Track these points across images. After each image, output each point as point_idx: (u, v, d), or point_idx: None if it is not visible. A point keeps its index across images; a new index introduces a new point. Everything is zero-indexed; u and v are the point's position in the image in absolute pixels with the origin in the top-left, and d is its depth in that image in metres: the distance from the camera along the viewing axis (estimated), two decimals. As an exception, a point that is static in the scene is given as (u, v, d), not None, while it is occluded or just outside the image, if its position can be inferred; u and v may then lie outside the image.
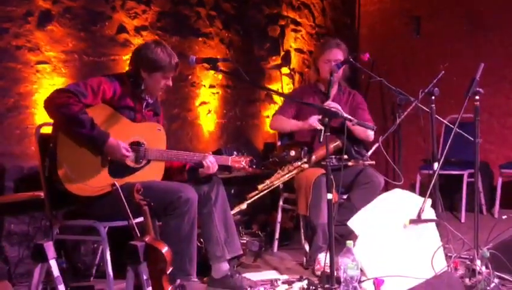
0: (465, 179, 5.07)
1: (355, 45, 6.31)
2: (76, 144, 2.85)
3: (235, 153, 3.32)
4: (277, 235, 4.15)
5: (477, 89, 3.21)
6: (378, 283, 2.75)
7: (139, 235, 2.48)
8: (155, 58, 3.02)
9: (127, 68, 3.18)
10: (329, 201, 2.69)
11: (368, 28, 6.43)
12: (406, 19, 6.10)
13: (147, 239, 2.38)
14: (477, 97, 3.22)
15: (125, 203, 2.44)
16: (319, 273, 3.41)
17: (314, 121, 3.68)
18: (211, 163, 3.10)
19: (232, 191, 4.81)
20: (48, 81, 3.60)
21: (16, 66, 3.48)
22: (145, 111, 3.14)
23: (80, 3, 3.79)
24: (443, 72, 3.54)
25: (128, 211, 2.43)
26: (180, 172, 3.22)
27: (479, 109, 3.24)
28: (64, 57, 3.70)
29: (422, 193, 5.15)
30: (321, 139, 2.74)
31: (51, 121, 2.93)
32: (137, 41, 4.11)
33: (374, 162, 3.63)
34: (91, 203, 2.92)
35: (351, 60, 3.76)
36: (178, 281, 2.86)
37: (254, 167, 3.34)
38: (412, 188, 5.43)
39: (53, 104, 2.81)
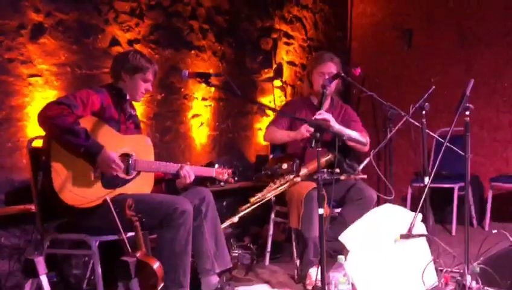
0: (456, 192, 5.09)
1: (347, 58, 6.36)
2: (70, 155, 2.86)
3: (217, 165, 3.40)
4: (269, 248, 4.15)
5: (468, 104, 3.23)
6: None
7: (130, 249, 2.47)
8: (136, 61, 3.13)
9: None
10: (320, 216, 2.69)
11: (359, 41, 6.48)
12: (398, 32, 6.16)
13: (138, 255, 2.38)
14: (467, 113, 3.24)
15: (117, 218, 2.42)
16: (310, 287, 3.42)
17: (304, 129, 3.69)
18: (187, 172, 3.16)
19: (224, 203, 4.83)
20: (40, 94, 3.60)
21: (7, 79, 3.47)
22: (128, 123, 3.19)
23: (72, 16, 3.79)
24: (433, 87, 3.57)
25: (120, 226, 2.42)
26: (158, 184, 3.26)
27: (469, 124, 3.26)
28: (56, 69, 3.71)
29: (413, 206, 5.24)
30: (312, 145, 2.75)
31: (43, 134, 2.93)
32: (130, 54, 4.11)
33: (365, 176, 3.64)
34: (83, 216, 2.92)
35: (343, 74, 3.78)
36: None
37: (236, 179, 3.48)
38: (403, 201, 5.47)
39: (47, 116, 2.82)
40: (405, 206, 5.32)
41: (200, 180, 3.68)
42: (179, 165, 3.18)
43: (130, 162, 3.04)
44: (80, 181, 2.88)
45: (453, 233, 5.09)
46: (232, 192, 4.71)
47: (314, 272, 3.47)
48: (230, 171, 3.41)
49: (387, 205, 3.23)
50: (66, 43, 3.77)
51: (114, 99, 3.10)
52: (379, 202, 3.62)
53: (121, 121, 3.12)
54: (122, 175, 3.01)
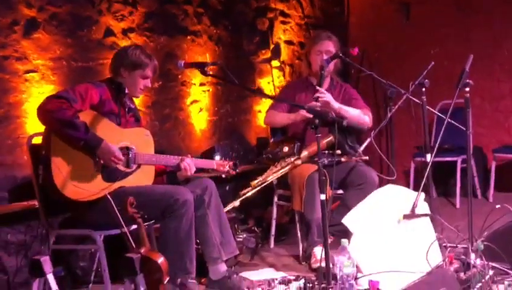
0: (459, 165, 5.10)
1: (345, 34, 6.31)
2: (70, 149, 2.88)
3: (218, 157, 3.39)
4: (273, 232, 4.18)
5: (467, 80, 3.22)
6: (373, 284, 2.77)
7: (132, 243, 2.50)
8: (135, 58, 3.13)
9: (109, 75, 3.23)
10: (322, 202, 2.70)
11: (357, 16, 6.42)
12: (395, 5, 6.10)
13: (142, 251, 2.41)
14: (467, 89, 3.23)
15: (118, 214, 2.44)
16: (315, 265, 3.45)
17: (304, 111, 3.68)
18: (188, 165, 3.17)
19: (227, 187, 4.84)
20: (37, 90, 3.60)
21: (3, 77, 3.47)
22: (128, 116, 3.19)
23: (65, 8, 3.77)
24: (433, 63, 3.55)
25: (122, 221, 2.45)
26: (159, 176, 3.28)
27: (469, 100, 3.25)
28: (52, 64, 3.70)
29: (416, 180, 5.26)
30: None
31: (42, 130, 2.95)
32: (125, 43, 4.09)
33: (367, 158, 3.65)
34: (85, 211, 2.95)
35: (341, 55, 3.76)
36: (179, 280, 2.95)
37: (238, 170, 3.48)
38: (406, 176, 5.48)
39: (46, 110, 2.84)
40: (408, 180, 5.37)
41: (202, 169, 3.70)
42: (180, 157, 3.20)
43: (130, 155, 3.05)
44: (81, 175, 2.90)
45: (457, 206, 5.12)
46: (234, 176, 4.70)
47: (318, 251, 3.51)
48: (231, 163, 3.43)
49: (390, 186, 3.24)
50: (61, 37, 3.75)
51: (113, 93, 3.11)
52: (381, 182, 3.63)
53: (121, 115, 3.13)
54: (122, 168, 3.02)
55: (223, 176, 3.54)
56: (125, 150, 3.05)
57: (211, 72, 3.08)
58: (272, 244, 4.19)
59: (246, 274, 3.45)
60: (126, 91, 3.16)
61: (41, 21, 3.63)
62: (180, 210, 2.94)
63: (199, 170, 3.77)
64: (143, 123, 3.47)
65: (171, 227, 2.97)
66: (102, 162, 2.94)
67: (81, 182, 2.89)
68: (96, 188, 2.92)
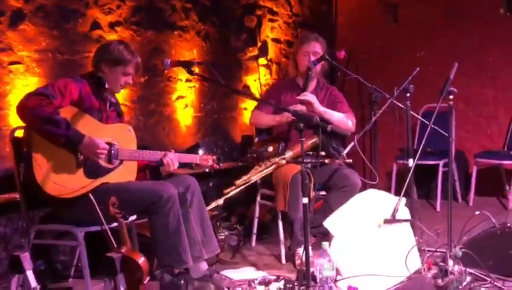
0: (441, 169, 5.16)
1: (332, 34, 6.33)
2: (51, 145, 2.86)
3: (201, 151, 3.38)
4: (255, 230, 4.19)
5: (451, 88, 3.26)
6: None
7: (113, 242, 2.50)
8: (117, 53, 3.08)
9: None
10: (304, 205, 2.72)
11: (345, 16, 6.44)
12: (383, 6, 6.12)
13: (123, 250, 2.40)
14: (451, 97, 3.27)
15: (100, 212, 2.44)
16: (299, 265, 3.47)
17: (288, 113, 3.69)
18: (171, 160, 3.17)
19: (211, 184, 4.84)
20: (21, 82, 3.57)
21: (-13, 68, 3.44)
22: (109, 111, 3.18)
23: (52, 1, 3.73)
24: (418, 69, 3.56)
25: (103, 219, 2.44)
26: (141, 171, 3.28)
27: (452, 108, 3.29)
28: (37, 56, 3.66)
29: (398, 182, 5.30)
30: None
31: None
32: (111, 37, 4.07)
33: (350, 161, 3.67)
34: (66, 207, 2.93)
35: (327, 57, 3.78)
36: (176, 271, 2.97)
37: (221, 165, 3.46)
38: (388, 177, 5.53)
39: (26, 107, 2.80)
40: (390, 182, 5.41)
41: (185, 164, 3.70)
42: (163, 153, 3.18)
43: (113, 151, 3.04)
44: (62, 171, 2.88)
45: (438, 209, 5.17)
46: (217, 173, 4.71)
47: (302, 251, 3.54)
48: (214, 157, 3.42)
49: (371, 190, 3.27)
50: (47, 29, 3.72)
51: (93, 87, 3.08)
52: (364, 185, 3.65)
53: (102, 110, 3.10)
54: (104, 164, 3.01)
55: (207, 170, 3.55)
56: (108, 145, 3.03)
57: (197, 71, 3.07)
58: (254, 243, 4.20)
59: (226, 273, 3.46)
60: (106, 86, 3.12)
61: (27, 12, 3.60)
62: (166, 206, 2.94)
63: (183, 165, 3.77)
64: (125, 118, 3.46)
65: (158, 223, 2.96)
66: (83, 158, 2.92)
67: (63, 179, 2.87)
68: (78, 184, 2.90)
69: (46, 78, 3.63)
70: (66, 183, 2.87)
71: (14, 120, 3.45)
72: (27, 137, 2.87)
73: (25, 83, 3.57)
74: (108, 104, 3.17)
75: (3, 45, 3.49)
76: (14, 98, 3.49)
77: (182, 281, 2.91)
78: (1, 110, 3.50)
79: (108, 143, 3.03)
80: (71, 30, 3.87)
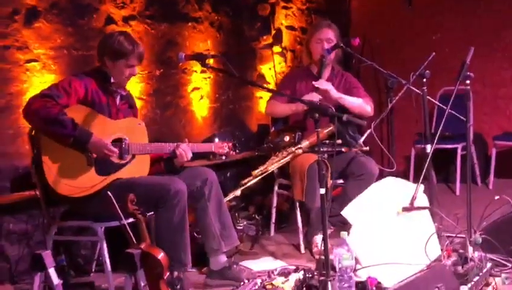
0: (459, 152, 5.10)
1: (346, 19, 6.26)
2: (60, 146, 2.86)
3: (216, 139, 3.35)
4: (273, 220, 4.20)
5: (468, 73, 3.20)
6: (371, 281, 2.79)
7: (133, 238, 2.50)
8: (117, 46, 3.03)
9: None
10: (322, 196, 2.70)
11: (359, 1, 6.36)
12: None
13: (142, 246, 2.42)
14: (468, 81, 3.22)
15: (117, 208, 2.44)
16: (316, 253, 3.47)
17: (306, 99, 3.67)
18: (184, 151, 3.14)
19: (228, 174, 4.85)
20: (38, 79, 3.59)
21: (4, 66, 3.45)
22: (119, 104, 3.16)
23: (66, -3, 3.74)
24: (434, 53, 3.50)
25: (121, 216, 2.45)
26: (156, 163, 3.26)
27: (470, 93, 3.24)
28: (53, 53, 3.67)
29: (417, 167, 5.25)
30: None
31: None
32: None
33: (367, 148, 3.64)
34: (84, 204, 2.95)
35: (342, 45, 3.74)
36: (175, 273, 2.93)
37: (237, 150, 3.45)
38: (406, 161, 5.48)
39: (31, 110, 2.81)
40: (409, 166, 5.37)
41: (202, 155, 3.69)
42: (175, 144, 3.15)
43: (124, 146, 3.03)
44: (73, 171, 2.89)
45: (457, 193, 5.13)
46: (235, 163, 4.72)
47: (319, 239, 3.53)
48: (230, 144, 3.39)
49: (389, 178, 3.24)
50: (61, 26, 3.72)
51: (100, 83, 3.06)
52: (382, 173, 3.63)
53: (110, 105, 3.09)
54: (116, 160, 3.01)
55: (224, 158, 3.52)
56: (118, 141, 3.02)
57: (211, 63, 3.05)
58: (272, 232, 4.21)
59: (246, 263, 3.47)
60: (112, 80, 3.09)
61: (41, 10, 3.60)
62: (173, 201, 2.92)
63: (199, 157, 3.77)
64: (137, 110, 3.42)
65: (164, 218, 2.95)
66: (94, 155, 2.92)
67: (75, 179, 2.87)
68: (90, 183, 2.90)
69: (63, 75, 3.64)
70: (78, 183, 2.88)
71: (33, 118, 3.47)
72: (36, 140, 2.89)
73: (42, 80, 3.59)
74: (118, 97, 3.15)
75: (19, 43, 3.50)
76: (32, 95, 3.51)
77: (178, 287, 2.87)
78: (19, 108, 3.50)
79: (118, 139, 3.02)
80: (85, 26, 3.88)
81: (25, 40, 3.53)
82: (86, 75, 3.06)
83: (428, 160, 3.30)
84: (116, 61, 3.05)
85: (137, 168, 3.09)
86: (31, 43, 3.56)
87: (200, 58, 2.95)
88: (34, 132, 2.94)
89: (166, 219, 2.95)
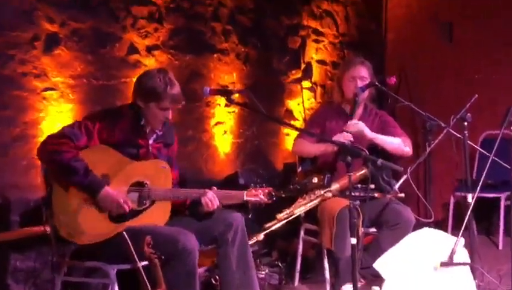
0: (503, 202, 5.01)
1: (382, 53, 6.28)
2: (71, 191, 2.85)
3: (252, 185, 3.27)
4: (298, 268, 4.14)
5: (514, 118, 3.19)
6: None
7: (147, 283, 2.49)
8: (150, 86, 2.95)
9: None
10: (353, 246, 2.68)
11: (395, 33, 6.38)
12: (437, 24, 6.04)
13: (159, 291, 2.41)
14: (513, 127, 3.20)
15: (134, 253, 2.44)
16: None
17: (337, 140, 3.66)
18: (210, 200, 3.04)
19: (250, 215, 4.82)
20: (55, 108, 3.66)
21: (21, 94, 3.53)
22: (152, 145, 3.11)
23: (88, 24, 3.83)
24: (476, 96, 3.50)
25: (137, 260, 2.44)
26: (181, 206, 3.19)
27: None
28: (72, 82, 3.76)
29: (456, 216, 5.16)
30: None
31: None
32: (148, 62, 4.15)
33: (403, 195, 3.60)
34: (97, 245, 2.93)
35: (377, 83, 3.74)
36: None
37: (274, 199, 3.28)
38: (444, 210, 5.39)
39: (45, 151, 2.83)
40: (447, 216, 5.28)
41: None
42: (201, 191, 3.07)
43: (143, 192, 2.97)
44: (85, 218, 2.85)
45: (500, 247, 5.02)
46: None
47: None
48: (266, 191, 3.22)
49: (426, 229, 3.19)
50: (82, 54, 3.81)
51: (131, 121, 3.02)
52: (418, 223, 3.58)
53: (141, 145, 3.04)
54: (134, 206, 2.95)
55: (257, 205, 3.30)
56: (138, 185, 2.98)
57: (236, 99, 3.04)
58: (297, 282, 4.14)
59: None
60: (142, 122, 3.04)
61: (62, 37, 3.70)
62: (179, 258, 2.82)
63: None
64: (175, 148, 3.34)
65: (169, 275, 2.79)
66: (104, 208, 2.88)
67: (86, 225, 2.84)
68: (104, 230, 2.87)
69: (81, 105, 3.72)
70: (89, 230, 2.85)
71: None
72: (47, 180, 2.90)
73: (58, 110, 3.66)
74: (154, 137, 3.11)
75: (37, 70, 3.59)
76: (48, 125, 3.58)
77: None
78: (34, 137, 3.58)
79: (139, 183, 2.99)
80: (107, 54, 3.97)
81: (43, 68, 3.62)
82: (115, 112, 3.06)
83: (469, 211, 3.26)
84: (147, 103, 2.98)
85: (156, 216, 3.00)
86: (50, 70, 3.65)
87: (226, 93, 2.98)
88: (45, 174, 2.95)
89: (173, 277, 2.82)
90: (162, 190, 3.03)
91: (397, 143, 3.81)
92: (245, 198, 3.19)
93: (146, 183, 3.00)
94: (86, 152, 2.86)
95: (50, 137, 2.87)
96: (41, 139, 3.53)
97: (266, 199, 3.22)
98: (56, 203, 2.85)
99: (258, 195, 3.20)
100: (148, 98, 2.97)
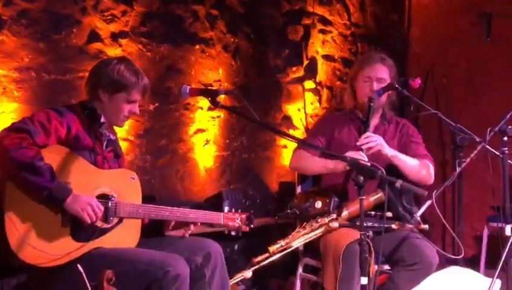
0: (547, 236, 5.03)
1: (403, 50, 6.31)
2: (30, 198, 2.86)
3: (226, 208, 3.34)
4: (294, 313, 4.14)
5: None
6: None
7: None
8: (117, 77, 3.06)
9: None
10: (363, 287, 2.67)
11: (421, 26, 6.44)
12: (472, 16, 6.08)
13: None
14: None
15: (89, 287, 2.43)
16: None
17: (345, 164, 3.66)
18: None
19: (236, 246, 4.83)
20: (-6, 109, 3.66)
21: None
22: (105, 152, 3.17)
23: (39, 4, 3.83)
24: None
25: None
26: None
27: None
28: (17, 75, 3.75)
29: (489, 251, 5.18)
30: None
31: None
32: (113, 52, 4.16)
33: (426, 227, 3.60)
34: (47, 278, 2.93)
35: (397, 86, 3.74)
36: None
37: (252, 225, 3.42)
38: (477, 244, 5.41)
39: (1, 148, 2.82)
40: (479, 252, 5.30)
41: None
42: (175, 209, 3.16)
43: (110, 205, 3.02)
44: (43, 232, 2.86)
45: (545, 291, 5.03)
46: (247, 232, 4.70)
47: None
48: (243, 216, 3.37)
49: (454, 268, 3.20)
50: (31, 41, 3.81)
51: (86, 121, 3.08)
52: (443, 259, 3.59)
53: (97, 151, 3.09)
54: (99, 223, 3.00)
55: (233, 233, 3.50)
56: (104, 198, 3.01)
57: (222, 98, 3.05)
58: (293, 331, 4.15)
59: None
60: (102, 120, 3.12)
61: (6, 19, 3.70)
62: (170, 287, 2.86)
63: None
64: (125, 160, 3.45)
65: None
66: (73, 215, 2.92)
67: (43, 243, 2.85)
68: (63, 250, 2.87)
69: (28, 105, 3.71)
70: (48, 248, 2.85)
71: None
72: (0, 185, 2.90)
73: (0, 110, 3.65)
74: (105, 143, 3.17)
75: (-27, 61, 3.59)
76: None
77: None
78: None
79: (104, 195, 3.02)
80: (62, 42, 3.96)
81: (-20, 57, 3.62)
82: (69, 110, 3.07)
83: (507, 246, 3.27)
84: (114, 94, 3.07)
85: (124, 235, 3.06)
86: (-11, 60, 3.66)
87: (209, 94, 2.96)
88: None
89: None
90: (132, 205, 3.08)
91: (417, 166, 3.79)
92: (221, 221, 3.31)
93: (113, 197, 3.03)
94: (44, 152, 2.86)
95: (5, 131, 2.86)
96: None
97: (243, 224, 3.36)
98: (10, 214, 2.82)
99: (234, 219, 3.33)
100: (117, 88, 3.06)
